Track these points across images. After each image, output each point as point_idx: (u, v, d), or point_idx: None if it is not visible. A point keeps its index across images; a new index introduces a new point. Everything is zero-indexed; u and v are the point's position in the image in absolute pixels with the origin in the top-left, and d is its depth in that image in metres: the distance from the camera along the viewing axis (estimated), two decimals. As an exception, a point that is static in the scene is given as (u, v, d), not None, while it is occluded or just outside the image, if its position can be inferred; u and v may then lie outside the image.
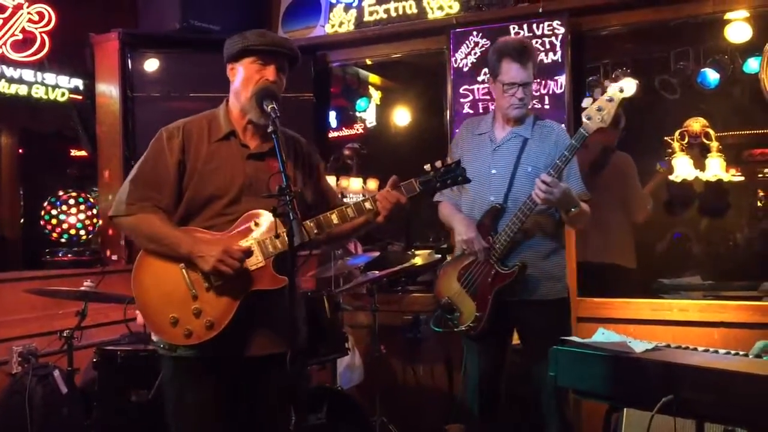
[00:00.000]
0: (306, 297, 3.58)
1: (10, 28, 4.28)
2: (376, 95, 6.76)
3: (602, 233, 4.31)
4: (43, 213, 4.46)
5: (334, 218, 2.37)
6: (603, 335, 2.44)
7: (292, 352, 2.12)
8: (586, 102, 2.84)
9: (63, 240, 4.44)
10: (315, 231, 2.34)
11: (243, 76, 2.43)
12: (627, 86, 2.85)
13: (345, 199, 6.16)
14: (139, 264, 2.40)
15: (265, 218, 2.35)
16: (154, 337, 2.48)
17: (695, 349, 2.30)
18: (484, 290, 3.00)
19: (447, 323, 3.11)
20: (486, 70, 4.29)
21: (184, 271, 2.34)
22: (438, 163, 2.39)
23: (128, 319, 4.10)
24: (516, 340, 3.24)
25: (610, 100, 2.84)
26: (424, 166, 2.39)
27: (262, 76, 2.41)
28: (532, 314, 3.05)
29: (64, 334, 3.44)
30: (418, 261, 4.52)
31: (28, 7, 4.35)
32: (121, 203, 2.40)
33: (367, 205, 2.37)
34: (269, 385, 2.43)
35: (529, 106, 3.15)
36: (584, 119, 2.85)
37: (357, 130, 6.82)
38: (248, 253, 2.32)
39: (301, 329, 2.54)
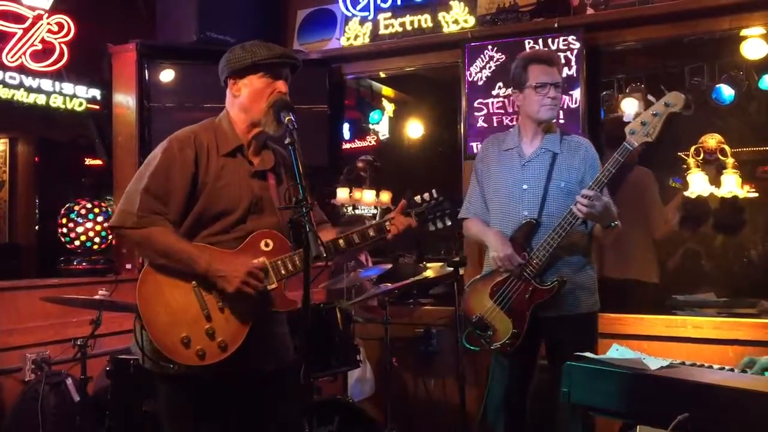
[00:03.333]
0: (317, 309, 3.60)
1: (30, 38, 4.33)
2: (389, 108, 6.79)
3: (622, 248, 4.27)
4: (58, 221, 4.49)
5: (342, 243, 2.40)
6: (617, 351, 2.42)
7: (306, 365, 2.12)
8: (627, 116, 2.83)
9: (78, 249, 4.46)
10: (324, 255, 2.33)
11: (252, 90, 2.39)
12: (673, 101, 2.81)
13: (357, 211, 6.25)
14: (144, 280, 2.30)
15: (275, 239, 2.35)
16: (147, 354, 2.32)
17: (710, 366, 2.28)
18: (521, 307, 2.97)
19: (480, 341, 3.07)
20: (501, 84, 4.31)
21: (196, 289, 2.29)
22: (426, 195, 2.46)
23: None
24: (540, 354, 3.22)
25: (656, 114, 2.81)
26: (414, 198, 2.47)
27: (274, 89, 2.39)
28: (564, 328, 3.02)
29: (78, 343, 3.45)
30: (429, 273, 4.51)
31: (47, 18, 4.41)
32: (129, 214, 2.28)
33: (371, 232, 2.41)
34: (275, 401, 2.43)
35: (557, 114, 3.15)
36: (627, 134, 2.82)
37: (370, 142, 6.85)
38: (267, 271, 2.32)
39: (289, 345, 2.53)
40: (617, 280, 4.17)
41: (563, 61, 4.13)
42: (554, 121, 3.16)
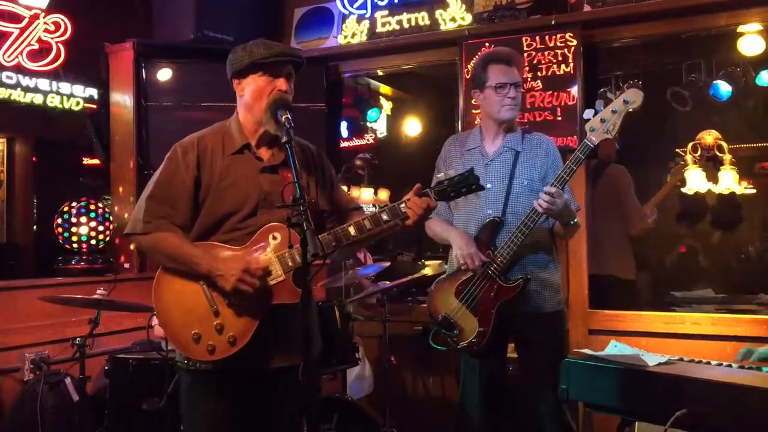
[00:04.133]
0: (317, 307, 3.60)
1: (26, 38, 4.33)
2: (387, 106, 6.79)
3: (598, 245, 4.31)
4: (56, 221, 4.49)
5: (352, 231, 2.36)
6: (616, 348, 2.43)
7: (305, 363, 2.12)
8: (587, 113, 2.84)
9: (76, 248, 4.45)
10: (333, 244, 2.34)
11: (253, 89, 2.41)
12: (632, 98, 2.84)
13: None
14: (159, 281, 2.40)
15: (283, 231, 2.34)
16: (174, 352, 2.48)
17: (708, 362, 2.29)
18: (487, 305, 2.97)
19: (447, 341, 3.06)
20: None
21: (204, 287, 2.35)
22: (451, 172, 2.39)
23: (140, 327, 4.14)
24: (510, 352, 3.25)
25: (615, 111, 2.84)
26: (437, 175, 2.37)
27: (273, 87, 2.40)
28: (531, 326, 3.04)
29: (77, 342, 3.46)
30: (428, 271, 4.51)
31: (44, 17, 4.41)
32: (137, 221, 2.38)
33: (384, 216, 2.35)
34: (288, 396, 2.43)
35: (518, 114, 3.15)
36: (588, 131, 2.85)
37: (367, 140, 6.86)
38: (267, 271, 2.32)
39: (316, 339, 2.53)
40: (593, 276, 4.19)
41: (560, 58, 4.14)
42: (516, 119, 3.16)
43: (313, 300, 2.31)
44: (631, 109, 2.85)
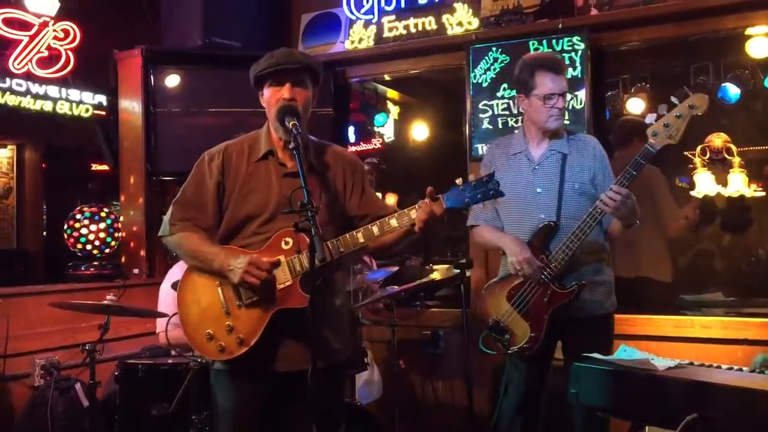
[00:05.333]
0: (348, 310, 3.59)
1: (36, 45, 4.36)
2: (394, 110, 6.81)
3: (634, 247, 4.25)
4: (65, 227, 4.51)
5: (360, 237, 2.37)
6: (625, 352, 2.42)
7: (313, 368, 2.12)
8: (650, 118, 2.79)
9: (85, 254, 4.47)
10: (341, 250, 2.35)
11: (266, 100, 2.51)
12: (698, 103, 2.76)
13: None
14: (183, 281, 2.51)
15: (295, 237, 2.37)
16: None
17: (719, 366, 2.27)
18: (539, 310, 2.94)
19: (497, 344, 3.04)
20: (506, 85, 4.31)
21: (219, 288, 2.43)
22: (470, 177, 2.38)
23: (149, 333, 4.15)
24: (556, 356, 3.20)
25: (679, 116, 2.76)
26: (455, 180, 2.30)
27: (279, 96, 2.45)
28: (583, 330, 2.99)
29: (87, 348, 3.46)
30: (436, 276, 4.51)
31: (53, 25, 4.44)
32: (166, 224, 2.52)
33: (393, 222, 2.35)
34: (303, 399, 2.43)
35: (565, 118, 3.12)
36: (650, 136, 2.78)
37: (375, 144, 6.87)
38: (276, 263, 2.35)
39: (338, 346, 2.54)
40: (629, 279, 4.14)
41: (568, 61, 4.13)
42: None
43: (332, 304, 2.42)
44: (696, 114, 2.76)
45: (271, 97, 2.47)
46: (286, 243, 2.39)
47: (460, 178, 2.34)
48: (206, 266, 2.43)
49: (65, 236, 4.51)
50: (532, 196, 3.04)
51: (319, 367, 2.16)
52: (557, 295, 2.92)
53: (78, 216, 4.48)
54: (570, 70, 4.12)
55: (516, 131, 3.27)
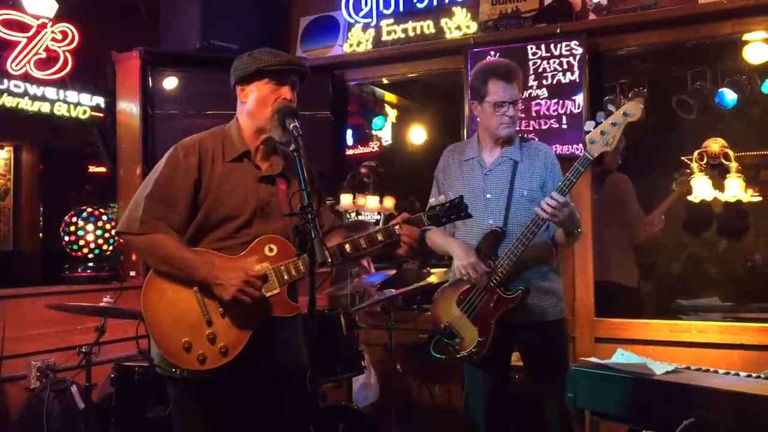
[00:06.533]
0: (322, 315, 3.60)
1: (34, 47, 4.35)
2: (392, 114, 6.81)
3: (602, 252, 4.33)
4: (62, 229, 4.50)
5: (348, 248, 2.37)
6: (622, 356, 2.43)
7: (313, 371, 2.12)
8: (588, 125, 2.82)
9: (82, 255, 4.46)
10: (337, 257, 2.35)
11: (257, 97, 2.41)
12: (632, 110, 2.80)
13: (360, 217, 6.25)
14: (149, 284, 2.33)
15: (279, 243, 2.35)
16: (156, 358, 2.39)
17: (715, 371, 2.28)
18: (487, 315, 2.97)
19: (447, 349, 3.06)
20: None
21: (198, 295, 2.30)
22: (442, 198, 2.44)
23: (141, 336, 4.14)
24: (516, 360, 3.24)
25: (614, 123, 2.81)
26: (430, 200, 2.45)
27: (278, 95, 2.40)
28: (534, 335, 3.04)
29: (83, 350, 3.46)
30: (433, 279, 4.51)
31: (51, 26, 4.43)
32: (133, 220, 2.31)
33: (379, 237, 2.37)
34: (282, 406, 2.42)
35: (515, 129, 3.14)
36: (588, 143, 2.84)
37: (373, 148, 6.87)
38: (264, 278, 2.30)
39: (303, 350, 2.51)
40: (597, 283, 4.19)
41: (566, 66, 4.15)
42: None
43: (314, 309, 2.30)
44: (630, 122, 2.81)
45: (269, 94, 2.40)
46: (270, 249, 2.34)
47: (433, 199, 2.51)
48: (186, 275, 2.27)
49: (62, 238, 4.50)
50: (482, 202, 3.07)
51: (290, 371, 2.16)
52: (503, 300, 2.95)
53: (75, 218, 4.47)
54: (568, 74, 4.14)
55: (470, 138, 3.30)
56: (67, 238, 4.46)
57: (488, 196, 3.07)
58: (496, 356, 3.03)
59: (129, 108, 4.76)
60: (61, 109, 4.52)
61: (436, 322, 3.13)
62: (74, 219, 4.47)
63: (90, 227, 4.46)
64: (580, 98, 4.14)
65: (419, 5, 4.72)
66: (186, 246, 2.32)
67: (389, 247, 2.42)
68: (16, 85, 4.29)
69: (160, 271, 2.32)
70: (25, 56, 4.32)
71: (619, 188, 4.62)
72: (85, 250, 4.46)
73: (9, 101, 4.26)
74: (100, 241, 4.49)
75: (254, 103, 2.42)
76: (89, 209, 4.53)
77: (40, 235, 5.90)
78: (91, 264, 4.49)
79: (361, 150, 6.77)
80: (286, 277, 2.32)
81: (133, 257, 4.66)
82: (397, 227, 2.37)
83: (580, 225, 2.97)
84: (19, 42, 4.30)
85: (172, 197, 2.34)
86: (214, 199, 2.36)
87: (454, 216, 2.43)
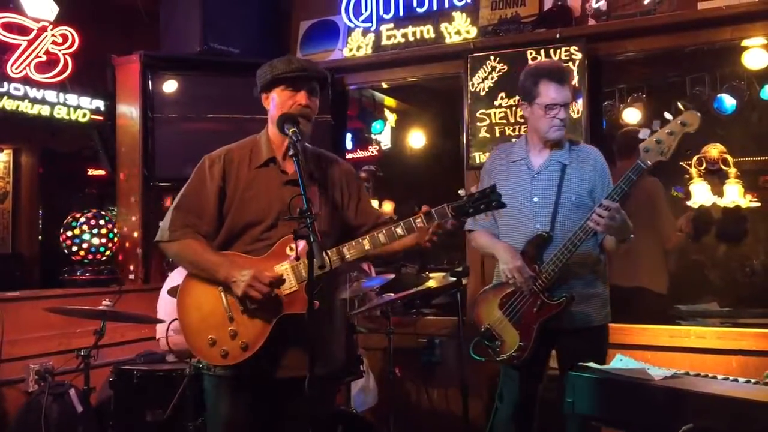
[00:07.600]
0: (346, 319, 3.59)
1: (34, 50, 4.35)
2: (391, 118, 6.82)
3: (631, 257, 4.24)
4: (61, 232, 4.50)
5: (366, 244, 2.39)
6: (621, 362, 2.42)
7: (311, 375, 2.13)
8: (643, 133, 2.78)
9: (81, 259, 4.46)
10: (346, 256, 2.37)
11: (277, 104, 2.49)
12: (689, 120, 2.76)
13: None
14: (183, 287, 2.50)
15: (300, 243, 2.37)
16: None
17: (714, 377, 2.28)
18: (529, 320, 2.94)
19: (488, 352, 3.04)
20: (503, 94, 4.32)
21: (222, 294, 2.43)
22: (473, 188, 2.40)
23: (144, 339, 4.14)
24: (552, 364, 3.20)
25: (671, 133, 2.75)
26: (459, 191, 2.37)
27: (294, 101, 2.46)
28: (575, 341, 2.99)
29: (81, 353, 3.45)
30: (432, 284, 4.51)
31: (52, 30, 4.43)
32: (164, 230, 2.50)
33: (399, 230, 2.38)
34: (301, 406, 2.43)
35: (565, 132, 3.08)
36: (642, 152, 2.78)
37: (372, 152, 6.88)
38: (279, 280, 2.36)
39: (338, 353, 2.58)
40: (625, 289, 4.14)
41: (565, 71, 4.15)
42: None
43: (332, 311, 2.43)
44: (688, 131, 2.76)
45: (286, 100, 2.47)
46: (291, 249, 2.41)
47: (463, 189, 2.37)
48: (209, 276, 2.42)
49: (61, 241, 4.50)
50: (529, 205, 3.03)
51: (318, 375, 2.17)
52: (546, 306, 2.92)
53: (74, 221, 4.47)
54: (567, 79, 4.14)
55: (516, 139, 3.26)
56: (66, 241, 4.46)
57: (535, 199, 3.02)
58: (535, 359, 3.00)
59: (129, 111, 4.76)
60: (60, 112, 4.52)
61: (477, 324, 3.09)
62: (73, 222, 4.46)
63: (89, 230, 4.45)
64: (579, 103, 4.14)
65: (419, 10, 4.73)
66: (211, 249, 2.46)
67: (417, 244, 2.43)
68: (16, 88, 4.29)
69: (192, 274, 2.49)
70: (25, 59, 4.32)
71: (651, 192, 4.50)
72: (84, 253, 4.46)
73: (9, 104, 4.26)
74: (99, 244, 4.48)
75: (274, 110, 2.51)
76: (88, 212, 4.52)
77: (40, 238, 5.91)
78: (90, 267, 4.48)
79: (360, 154, 6.79)
80: (303, 274, 2.37)
81: (138, 258, 4.68)
82: (418, 221, 2.35)
83: (632, 231, 2.91)
84: (19, 45, 4.31)
85: (198, 206, 2.49)
86: (239, 205, 2.48)
87: (483, 206, 2.33)
